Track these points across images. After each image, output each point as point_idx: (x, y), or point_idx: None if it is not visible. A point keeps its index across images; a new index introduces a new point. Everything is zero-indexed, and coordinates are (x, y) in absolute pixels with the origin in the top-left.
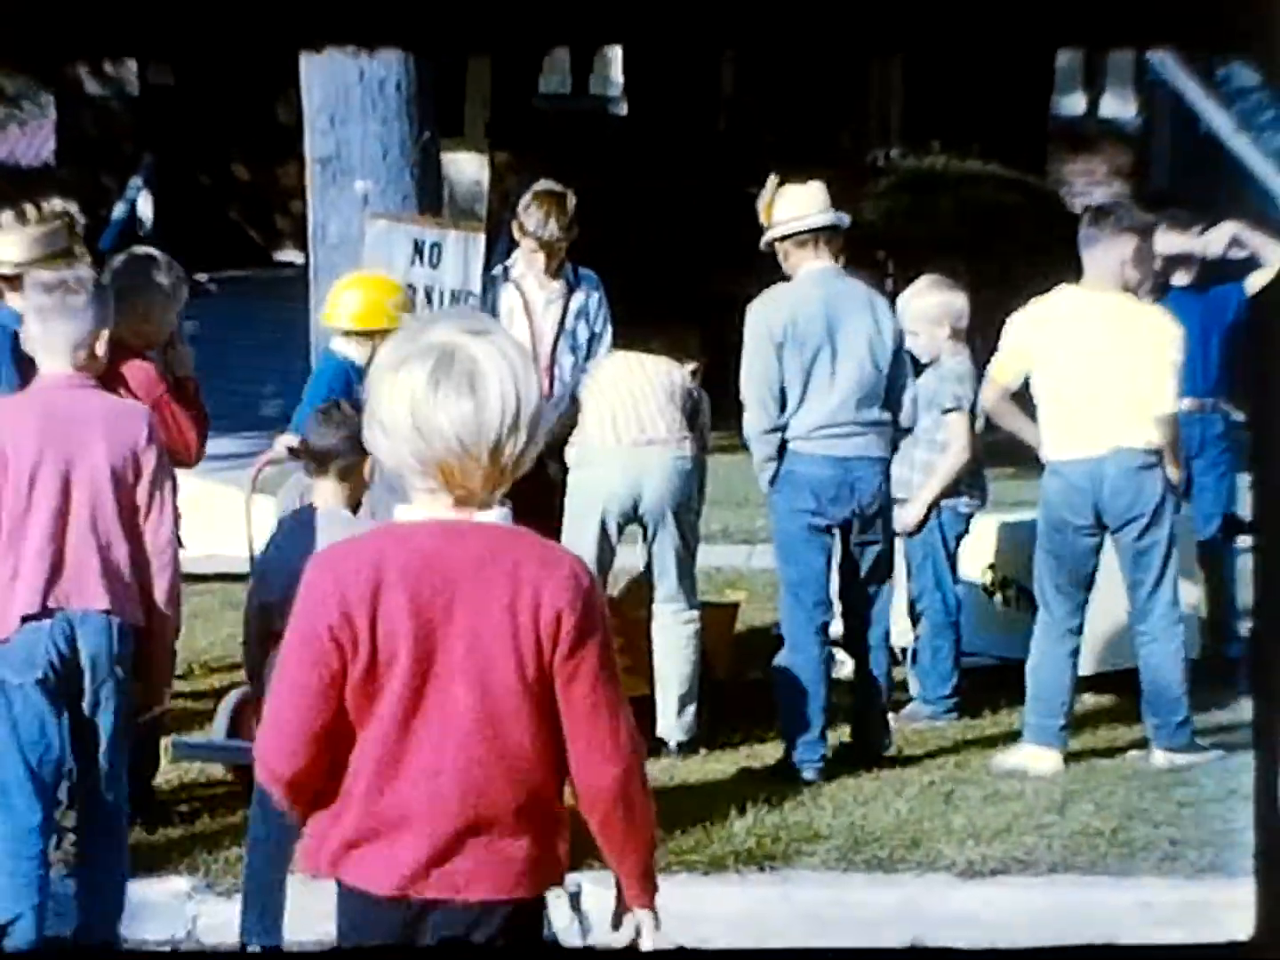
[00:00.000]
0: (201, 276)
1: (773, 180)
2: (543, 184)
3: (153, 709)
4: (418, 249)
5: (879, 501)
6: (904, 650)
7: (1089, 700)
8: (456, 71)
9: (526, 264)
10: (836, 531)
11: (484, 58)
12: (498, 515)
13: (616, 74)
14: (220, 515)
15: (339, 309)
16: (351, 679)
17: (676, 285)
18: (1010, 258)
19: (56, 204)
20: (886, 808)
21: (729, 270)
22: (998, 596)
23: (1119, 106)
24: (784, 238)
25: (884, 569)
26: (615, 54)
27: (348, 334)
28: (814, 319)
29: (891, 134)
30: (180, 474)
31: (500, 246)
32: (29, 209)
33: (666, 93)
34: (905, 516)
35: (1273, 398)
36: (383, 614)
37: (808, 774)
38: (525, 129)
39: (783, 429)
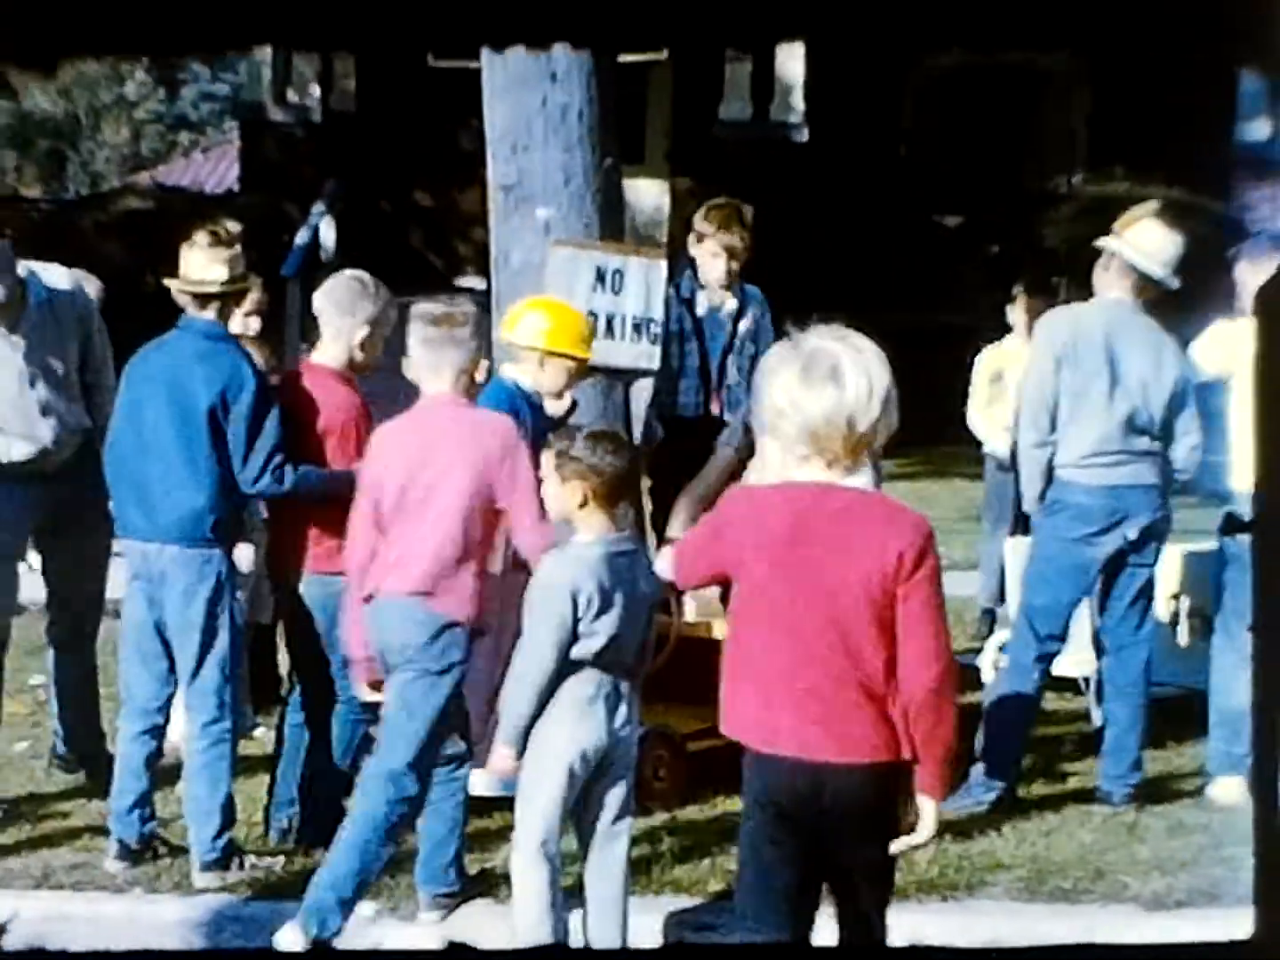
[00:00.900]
0: None
1: (1154, 204)
2: (721, 199)
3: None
4: (600, 276)
5: (1155, 528)
6: (1085, 679)
7: None
8: (638, 98)
9: (698, 280)
10: (1101, 566)
11: (665, 84)
12: (862, 481)
13: (798, 100)
14: None
15: (523, 327)
16: (741, 578)
17: (857, 312)
18: (1194, 285)
19: (234, 226)
20: (1070, 838)
21: (909, 297)
22: (1182, 626)
23: None
24: (1114, 255)
25: (1149, 597)
26: (797, 80)
27: (531, 349)
28: (1095, 345)
29: (1075, 160)
30: None
31: (681, 272)
32: (222, 231)
33: (847, 119)
34: None
35: (1275, 395)
36: (769, 549)
37: (989, 802)
38: (706, 156)
39: (1052, 446)
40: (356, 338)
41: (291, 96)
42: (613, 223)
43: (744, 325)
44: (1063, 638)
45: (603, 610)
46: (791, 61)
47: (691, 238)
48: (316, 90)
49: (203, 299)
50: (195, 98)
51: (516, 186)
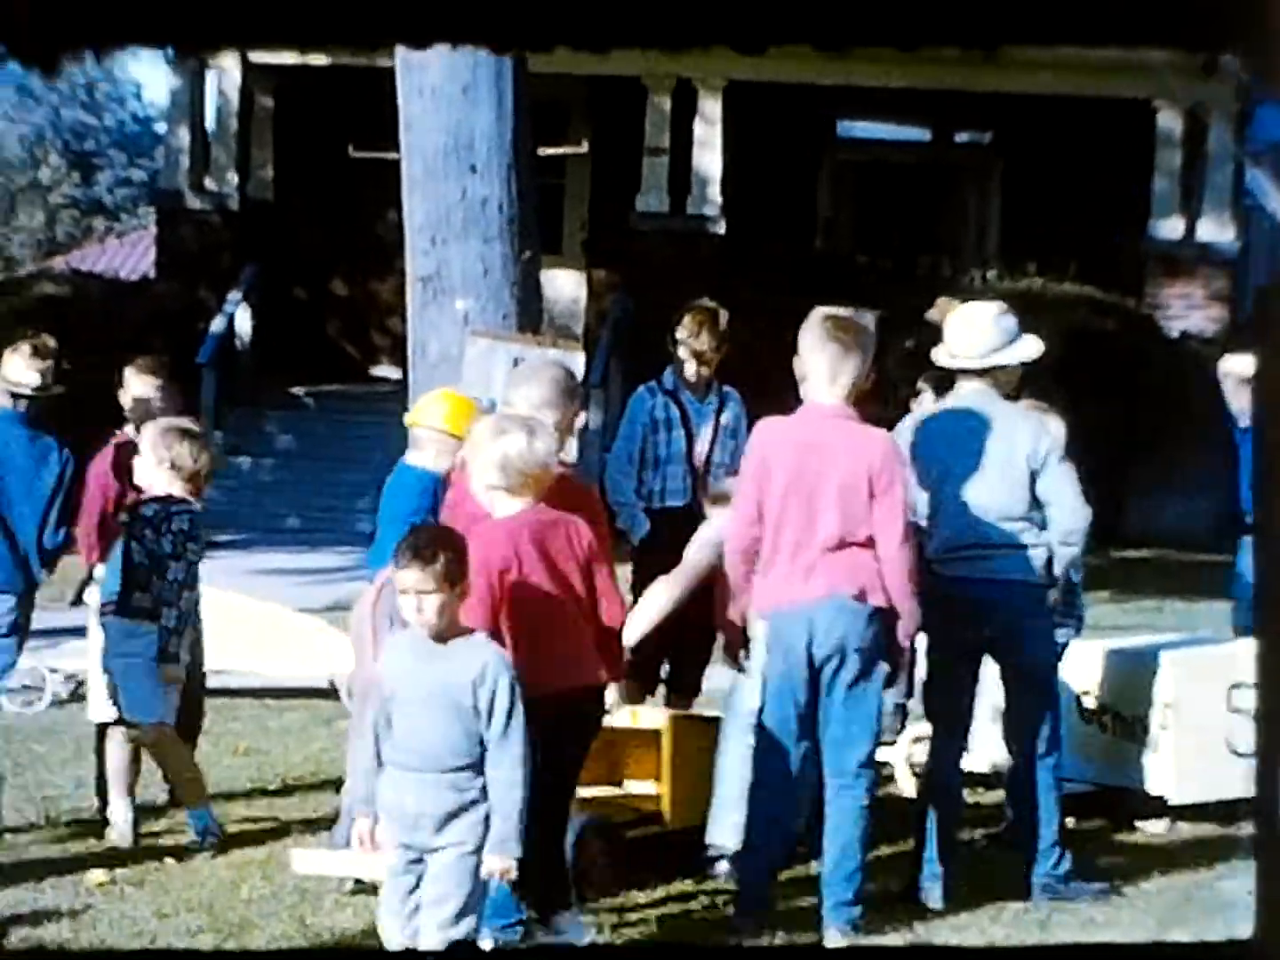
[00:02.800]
0: (298, 391)
1: (947, 300)
2: (698, 301)
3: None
4: (517, 366)
5: (1022, 623)
6: (999, 774)
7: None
8: (555, 190)
9: (681, 377)
10: (975, 656)
11: (583, 175)
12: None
13: (714, 193)
14: (302, 639)
15: (432, 413)
16: None
17: (772, 403)
18: (1107, 381)
19: (52, 341)
20: (981, 934)
21: None
22: (1095, 722)
23: (1216, 231)
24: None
25: (1039, 692)
26: (714, 173)
27: (442, 433)
28: (945, 443)
29: (988, 256)
30: (263, 603)
31: (598, 363)
32: (42, 345)
33: (764, 212)
34: None
35: (1274, 398)
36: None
37: (932, 901)
38: (623, 247)
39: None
40: (576, 426)
41: (209, 184)
42: (531, 314)
43: (724, 420)
44: (965, 730)
45: None
46: (708, 155)
47: (669, 337)
48: (234, 178)
49: (19, 396)
50: (111, 183)
51: (435, 278)
